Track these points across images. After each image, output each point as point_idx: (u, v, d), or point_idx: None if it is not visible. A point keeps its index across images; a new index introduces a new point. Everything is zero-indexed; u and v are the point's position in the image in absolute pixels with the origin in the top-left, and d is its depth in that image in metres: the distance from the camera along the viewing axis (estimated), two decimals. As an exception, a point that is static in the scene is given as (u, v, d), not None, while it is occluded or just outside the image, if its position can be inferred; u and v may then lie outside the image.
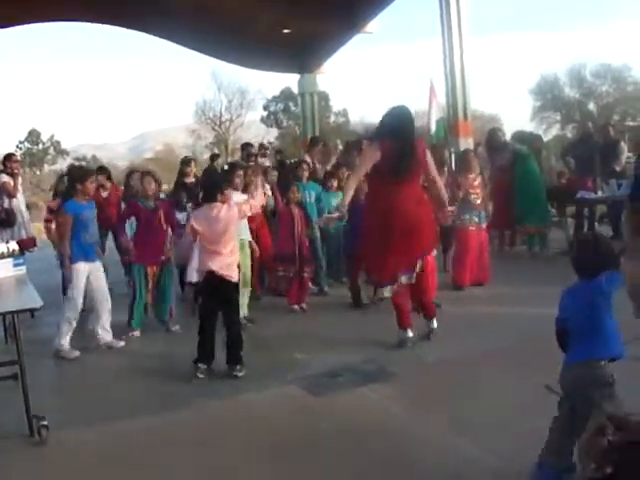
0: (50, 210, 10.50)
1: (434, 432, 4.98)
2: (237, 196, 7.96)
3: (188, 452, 4.91)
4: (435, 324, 7.50)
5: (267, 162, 12.89)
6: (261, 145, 15.30)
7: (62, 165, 69.89)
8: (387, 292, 7.19)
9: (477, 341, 7.16)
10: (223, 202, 6.86)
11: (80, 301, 7.86)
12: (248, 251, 8.67)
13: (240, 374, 6.58)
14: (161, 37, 20.15)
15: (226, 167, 10.60)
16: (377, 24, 18.88)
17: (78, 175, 8.14)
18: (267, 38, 18.38)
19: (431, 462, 4.54)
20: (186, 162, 11.91)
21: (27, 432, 5.21)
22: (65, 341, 7.80)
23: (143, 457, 4.89)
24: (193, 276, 7.41)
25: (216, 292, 6.85)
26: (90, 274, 7.90)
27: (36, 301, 5.37)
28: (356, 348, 7.17)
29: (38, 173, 64.89)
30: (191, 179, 11.33)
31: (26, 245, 9.92)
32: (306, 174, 10.45)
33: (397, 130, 7.04)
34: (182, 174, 11.53)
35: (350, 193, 7.09)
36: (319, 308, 9.42)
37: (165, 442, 5.13)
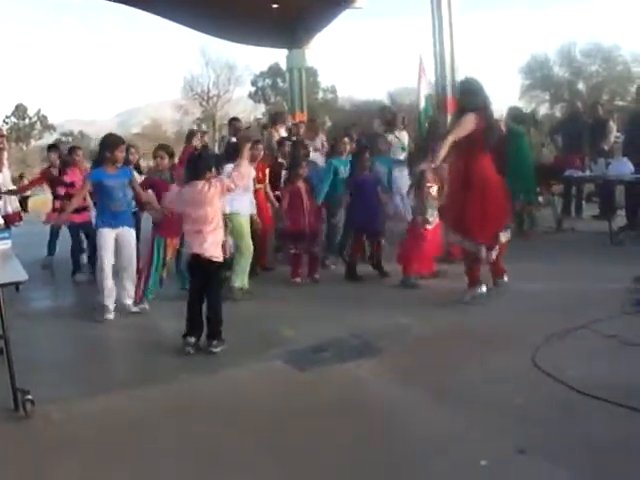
0: (65, 184, 10.71)
1: (420, 407, 4.99)
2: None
3: (172, 424, 4.91)
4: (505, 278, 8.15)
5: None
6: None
7: (48, 140, 69.68)
8: (493, 254, 7.85)
9: (464, 316, 7.20)
10: (207, 180, 6.80)
11: (109, 265, 8.00)
12: (248, 226, 8.78)
13: (216, 350, 6.57)
14: (149, 11, 20.00)
15: (234, 140, 10.55)
16: (366, -1, 18.80)
17: (108, 143, 8.19)
18: (256, 13, 18.25)
19: (416, 437, 4.55)
20: (190, 135, 12.25)
21: (12, 406, 5.18)
22: (105, 300, 8.00)
23: (128, 431, 4.88)
24: None
25: (201, 271, 6.85)
26: (118, 239, 8.04)
27: (21, 275, 5.34)
28: (343, 323, 7.17)
29: (24, 148, 64.52)
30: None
31: (12, 220, 9.94)
32: (348, 148, 10.52)
33: (486, 101, 7.79)
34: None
35: (443, 155, 7.66)
36: (312, 284, 9.46)
37: (150, 416, 5.12)
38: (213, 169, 6.93)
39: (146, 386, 5.71)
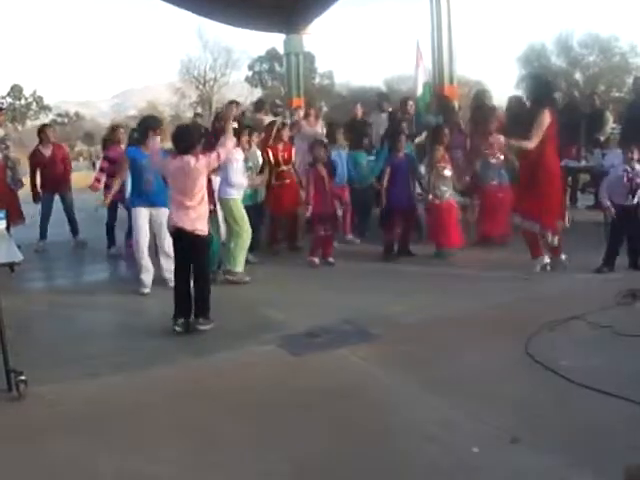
0: (108, 158, 10.87)
1: (412, 393, 5.02)
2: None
3: (167, 407, 4.94)
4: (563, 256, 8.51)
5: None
6: (273, 103, 15.23)
7: (44, 120, 69.41)
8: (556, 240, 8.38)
9: (458, 304, 7.21)
10: (195, 155, 6.78)
11: (143, 241, 8.30)
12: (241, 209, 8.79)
13: (204, 327, 6.63)
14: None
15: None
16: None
17: (150, 124, 8.27)
18: (254, -3, 18.15)
19: (407, 423, 4.57)
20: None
21: (5, 387, 5.18)
22: (143, 277, 8.35)
23: (122, 413, 4.89)
24: None
25: (185, 246, 6.84)
26: (151, 218, 8.28)
27: (16, 255, 5.33)
28: (338, 309, 7.18)
29: (20, 128, 64.21)
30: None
31: (15, 222, 10.13)
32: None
33: (553, 97, 8.60)
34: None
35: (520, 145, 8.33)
36: (300, 269, 9.47)
37: (144, 398, 5.13)
38: (199, 145, 6.94)
39: (141, 369, 5.73)
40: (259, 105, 14.06)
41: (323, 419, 4.64)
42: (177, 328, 6.66)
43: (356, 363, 5.72)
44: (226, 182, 8.56)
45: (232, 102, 13.30)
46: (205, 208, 6.90)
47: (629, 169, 8.23)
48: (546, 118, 8.00)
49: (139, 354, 6.19)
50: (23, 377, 5.14)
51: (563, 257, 8.45)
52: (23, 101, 68.16)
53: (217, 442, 4.39)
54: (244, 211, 8.76)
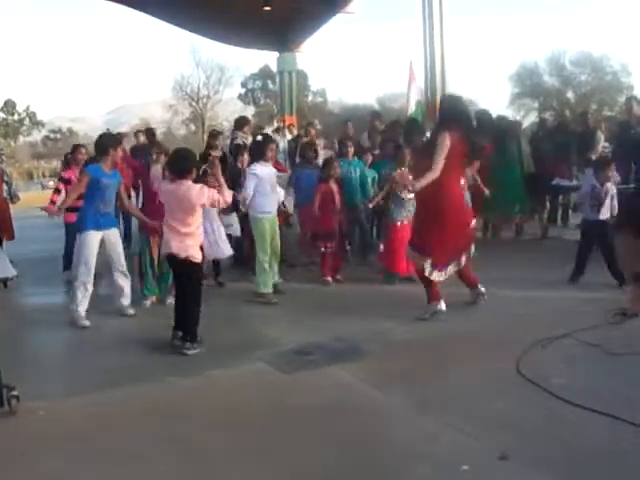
0: (63, 180, 10.50)
1: (402, 411, 5.03)
2: (268, 168, 8.55)
3: (157, 424, 4.93)
4: (482, 288, 7.91)
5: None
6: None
7: (37, 137, 69.40)
8: (441, 276, 7.60)
9: (449, 322, 7.22)
10: (194, 181, 6.80)
11: (92, 265, 7.78)
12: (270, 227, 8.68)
13: (189, 352, 6.55)
14: (141, 11, 19.97)
15: (259, 138, 10.51)
16: (359, 4, 18.84)
17: (107, 142, 8.06)
18: (247, 15, 18.25)
19: (398, 440, 4.59)
20: (214, 135, 12.04)
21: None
22: (79, 306, 7.76)
23: (113, 429, 4.89)
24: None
25: (177, 271, 6.91)
26: (104, 240, 7.87)
27: (9, 270, 5.34)
28: (327, 326, 7.20)
29: (13, 144, 64.16)
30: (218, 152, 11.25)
31: (8, 237, 10.11)
32: (351, 150, 10.72)
33: (462, 117, 7.52)
34: (209, 147, 11.56)
35: (424, 184, 7.28)
36: (300, 286, 9.41)
37: (135, 415, 5.12)
38: (194, 170, 6.91)
39: (132, 386, 5.71)
40: (241, 122, 13.22)
41: (313, 436, 4.64)
42: (176, 341, 6.66)
43: (347, 380, 5.71)
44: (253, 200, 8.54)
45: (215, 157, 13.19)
46: (199, 238, 6.89)
47: (597, 185, 8.56)
48: (445, 142, 7.22)
49: (128, 371, 6.17)
50: (15, 392, 5.14)
51: (481, 288, 7.89)
52: (16, 116, 68.00)
53: (205, 459, 4.39)
54: (268, 230, 8.62)
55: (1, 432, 4.94)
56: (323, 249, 9.55)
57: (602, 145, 13.74)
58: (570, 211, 14.07)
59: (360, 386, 5.58)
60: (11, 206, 11.04)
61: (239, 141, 11.85)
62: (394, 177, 8.64)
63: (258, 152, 8.83)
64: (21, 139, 67.97)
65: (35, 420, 5.06)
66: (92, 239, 7.76)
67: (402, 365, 6.00)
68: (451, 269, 7.66)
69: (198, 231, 6.86)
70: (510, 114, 45.77)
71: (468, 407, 4.95)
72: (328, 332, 6.99)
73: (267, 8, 17.89)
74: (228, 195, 7.00)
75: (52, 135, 72.30)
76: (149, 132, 14.48)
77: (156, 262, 8.47)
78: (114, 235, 8.00)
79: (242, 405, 5.24)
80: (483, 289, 7.86)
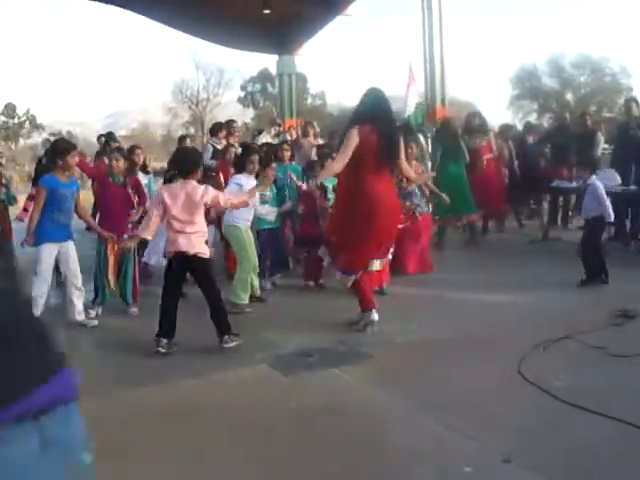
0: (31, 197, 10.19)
1: (404, 413, 5.01)
2: (250, 180, 8.23)
3: (158, 427, 4.89)
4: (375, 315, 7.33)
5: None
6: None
7: (37, 140, 69.31)
8: (350, 281, 7.32)
9: (450, 325, 7.20)
10: (199, 182, 6.80)
11: (48, 278, 7.60)
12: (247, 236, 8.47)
13: (229, 345, 6.57)
14: (141, 14, 19.96)
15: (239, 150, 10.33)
16: (357, 6, 18.86)
17: (58, 149, 7.75)
18: (247, 18, 18.23)
19: (400, 443, 4.57)
20: (182, 139, 11.97)
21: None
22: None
23: (112, 432, 4.85)
24: (151, 259, 7.39)
25: (190, 271, 6.86)
26: (60, 253, 7.65)
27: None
28: (328, 329, 7.19)
29: (13, 147, 64.19)
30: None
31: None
32: (288, 154, 10.54)
33: (379, 114, 7.05)
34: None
35: (325, 176, 7.38)
36: (294, 289, 9.44)
37: (135, 419, 5.10)
38: (198, 170, 6.91)
39: (132, 389, 5.70)
40: (215, 128, 12.89)
41: (314, 439, 4.62)
42: (161, 349, 6.58)
43: (348, 382, 5.70)
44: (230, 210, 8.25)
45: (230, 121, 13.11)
46: (205, 234, 6.89)
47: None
48: (352, 137, 6.86)
49: (128, 373, 6.16)
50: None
51: (374, 316, 7.26)
52: (16, 120, 68.06)
53: (206, 461, 4.37)
54: (247, 239, 8.43)
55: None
56: (306, 254, 9.52)
57: (602, 146, 13.78)
58: (570, 212, 14.09)
59: (361, 388, 5.57)
60: (10, 209, 11.03)
61: (216, 147, 11.92)
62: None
63: (239, 165, 8.72)
64: (22, 142, 67.98)
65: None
66: (49, 254, 7.55)
67: (403, 368, 6.00)
68: (377, 265, 7.54)
69: (204, 228, 6.85)
70: (509, 116, 45.91)
71: (470, 409, 4.93)
72: (329, 334, 6.99)
73: (267, 11, 17.89)
74: (229, 197, 7.02)
75: (52, 138, 72.29)
76: (110, 137, 14.32)
77: (111, 269, 8.22)
78: (71, 248, 7.76)
79: (243, 407, 5.22)
80: (376, 316, 7.30)
